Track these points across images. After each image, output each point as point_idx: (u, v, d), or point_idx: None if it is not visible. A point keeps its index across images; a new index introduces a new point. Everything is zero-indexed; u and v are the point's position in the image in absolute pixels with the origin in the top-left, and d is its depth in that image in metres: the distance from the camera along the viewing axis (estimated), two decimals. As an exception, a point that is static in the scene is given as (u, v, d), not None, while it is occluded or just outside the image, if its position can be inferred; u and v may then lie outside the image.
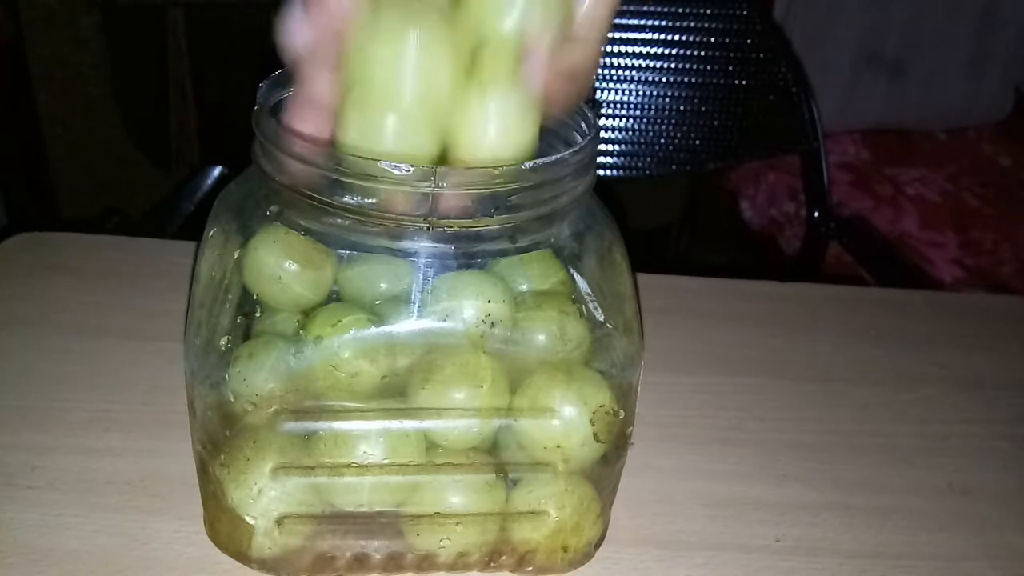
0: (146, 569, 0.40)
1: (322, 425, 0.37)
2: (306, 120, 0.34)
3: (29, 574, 0.39)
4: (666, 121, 1.02)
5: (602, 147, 1.02)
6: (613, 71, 1.00)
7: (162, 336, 0.54)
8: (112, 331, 0.55)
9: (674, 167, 1.04)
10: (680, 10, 0.99)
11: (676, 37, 1.00)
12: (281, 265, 0.36)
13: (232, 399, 0.36)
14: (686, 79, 1.01)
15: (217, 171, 0.95)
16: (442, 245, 0.34)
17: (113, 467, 0.45)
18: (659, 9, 0.99)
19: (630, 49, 1.00)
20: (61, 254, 0.63)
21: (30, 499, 0.43)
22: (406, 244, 0.34)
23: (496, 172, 0.33)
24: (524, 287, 0.38)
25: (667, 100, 1.01)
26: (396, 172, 0.32)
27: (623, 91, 1.01)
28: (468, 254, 0.35)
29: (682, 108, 1.02)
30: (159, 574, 0.40)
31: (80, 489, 0.44)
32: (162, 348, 0.53)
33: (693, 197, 1.74)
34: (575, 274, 0.37)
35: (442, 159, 0.34)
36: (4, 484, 0.43)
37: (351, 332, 0.34)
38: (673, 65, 1.01)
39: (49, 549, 0.40)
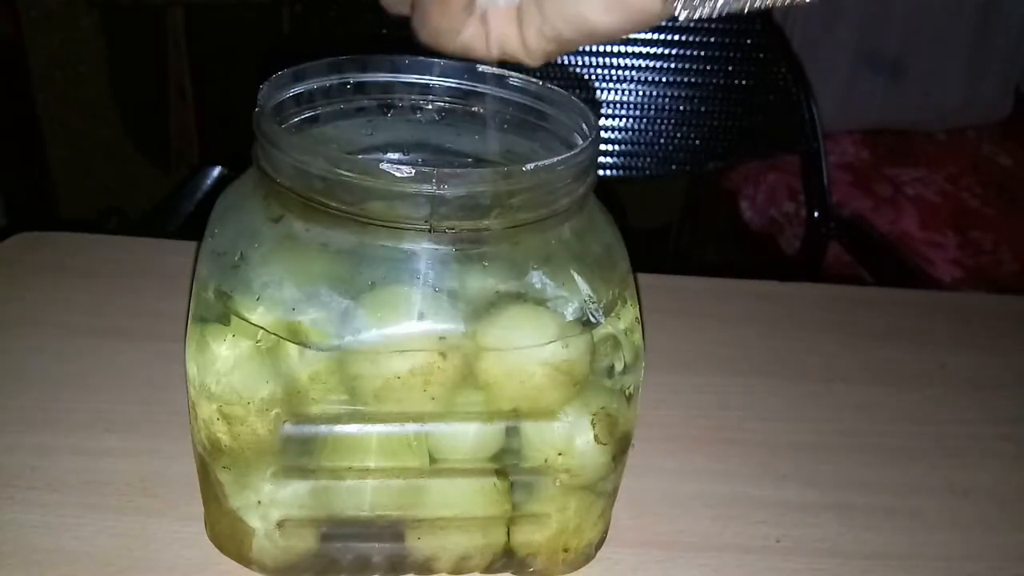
0: (147, 570, 0.40)
1: (323, 429, 0.37)
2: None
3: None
4: (666, 121, 1.02)
5: (602, 147, 1.02)
6: (613, 71, 1.00)
7: (162, 336, 0.54)
8: (112, 331, 0.55)
9: (674, 167, 1.04)
10: (680, 10, 0.99)
11: (676, 37, 1.00)
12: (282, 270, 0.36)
13: (233, 403, 0.36)
14: (686, 79, 1.01)
15: (217, 171, 0.95)
16: (443, 247, 0.34)
17: (113, 467, 0.45)
18: (659, 9, 0.99)
19: (630, 49, 1.00)
20: (61, 254, 0.63)
21: (30, 500, 0.43)
22: (407, 246, 0.34)
23: (497, 174, 0.33)
24: (524, 289, 0.38)
25: (667, 100, 1.01)
26: (397, 174, 0.32)
27: (623, 91, 1.01)
28: (469, 256, 0.35)
29: (682, 108, 1.02)
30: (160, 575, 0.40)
31: (80, 490, 0.44)
32: (162, 348, 0.53)
33: (693, 197, 1.74)
34: (576, 276, 0.36)
35: None
36: (4, 485, 0.43)
37: (352, 335, 0.34)
38: (673, 65, 1.00)
39: (49, 550, 0.40)
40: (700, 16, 0.30)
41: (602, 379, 0.38)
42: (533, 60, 0.34)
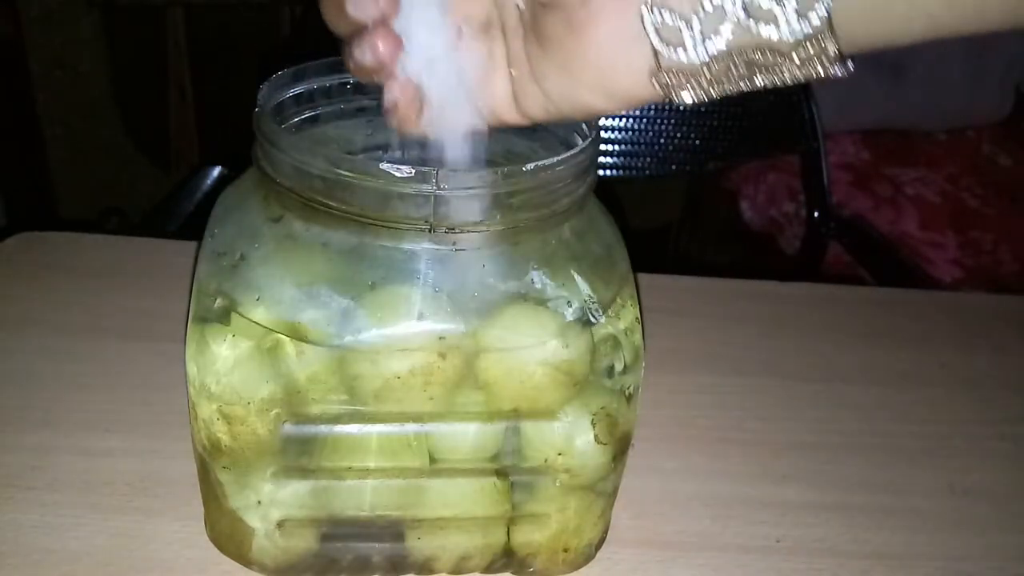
0: (147, 570, 0.40)
1: (323, 429, 0.37)
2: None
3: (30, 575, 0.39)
4: (666, 121, 1.02)
5: (602, 147, 1.02)
6: (613, 71, 1.00)
7: (162, 336, 0.54)
8: (112, 331, 0.55)
9: (674, 167, 1.04)
10: (680, 10, 0.99)
11: (676, 37, 1.00)
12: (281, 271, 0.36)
13: (233, 403, 0.36)
14: (686, 79, 1.01)
15: (217, 171, 0.95)
16: (443, 247, 0.34)
17: (113, 468, 0.45)
18: (659, 9, 0.99)
19: (630, 49, 1.00)
20: (61, 254, 0.63)
21: (30, 500, 0.43)
22: (407, 246, 0.34)
23: (497, 174, 0.33)
24: (524, 289, 0.38)
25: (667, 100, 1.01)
26: (397, 174, 0.32)
27: (623, 91, 1.01)
28: (469, 256, 0.35)
29: (682, 108, 1.01)
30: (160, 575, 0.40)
31: (80, 490, 0.44)
32: (162, 348, 0.53)
33: (693, 197, 1.74)
34: (576, 276, 0.36)
35: None
36: (4, 485, 0.43)
37: (352, 335, 0.34)
38: (673, 65, 1.00)
39: (49, 550, 0.40)
40: (703, 101, 0.31)
41: (602, 379, 0.38)
42: (527, 123, 0.35)
